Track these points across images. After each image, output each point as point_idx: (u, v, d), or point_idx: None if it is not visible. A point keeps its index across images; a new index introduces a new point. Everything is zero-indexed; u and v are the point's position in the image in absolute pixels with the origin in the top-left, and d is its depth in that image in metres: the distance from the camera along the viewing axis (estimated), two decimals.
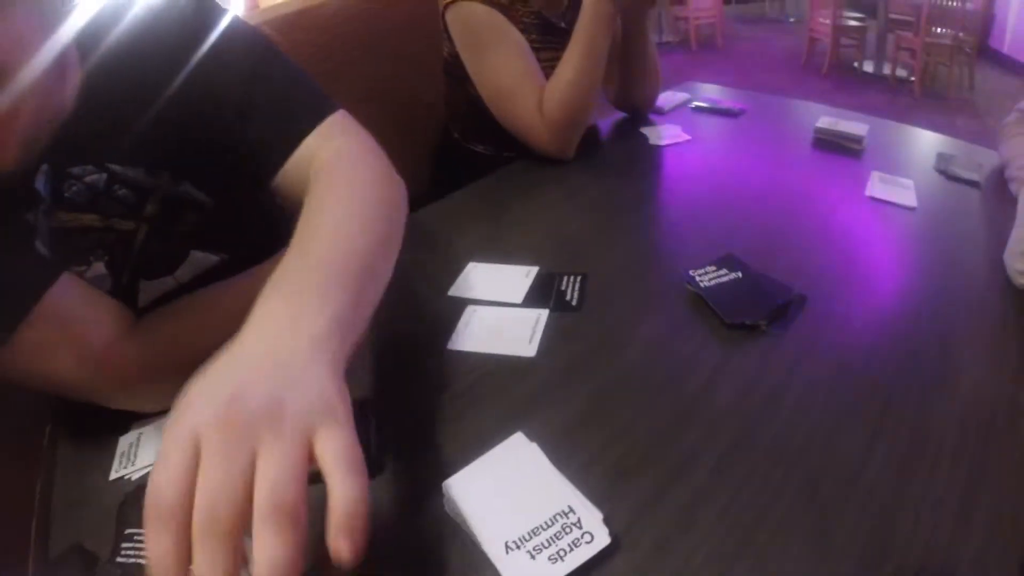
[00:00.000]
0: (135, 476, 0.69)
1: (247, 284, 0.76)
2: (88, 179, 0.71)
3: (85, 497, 0.69)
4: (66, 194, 0.70)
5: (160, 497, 0.39)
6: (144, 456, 0.71)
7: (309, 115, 0.79)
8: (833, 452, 0.57)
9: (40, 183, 0.68)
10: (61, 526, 0.66)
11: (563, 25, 1.25)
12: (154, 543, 0.38)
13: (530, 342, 0.75)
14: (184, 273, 0.82)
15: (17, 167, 0.62)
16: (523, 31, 1.18)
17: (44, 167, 0.68)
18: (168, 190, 0.77)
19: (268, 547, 0.38)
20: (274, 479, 0.40)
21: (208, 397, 0.46)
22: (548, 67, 1.19)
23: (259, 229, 0.89)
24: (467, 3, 1.15)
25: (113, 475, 0.70)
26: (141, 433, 0.74)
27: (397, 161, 1.08)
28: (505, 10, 1.16)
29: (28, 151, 0.63)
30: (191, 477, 0.39)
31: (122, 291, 0.76)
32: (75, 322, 0.69)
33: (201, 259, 0.83)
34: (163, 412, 0.75)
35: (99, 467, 0.71)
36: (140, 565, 0.57)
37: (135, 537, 0.60)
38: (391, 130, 1.48)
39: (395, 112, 1.51)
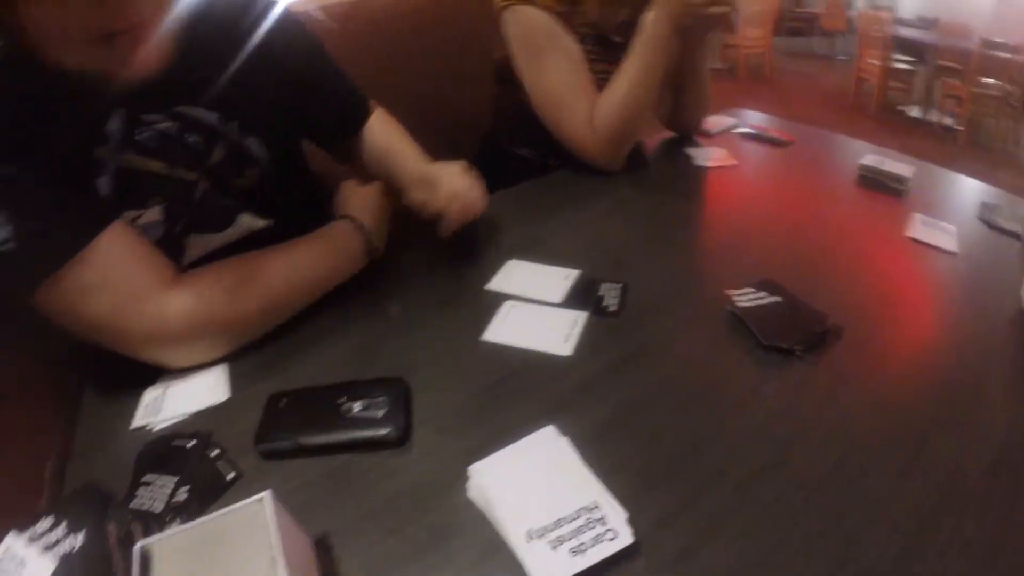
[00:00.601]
0: (157, 427, 0.70)
1: (288, 256, 0.81)
2: (161, 126, 0.74)
3: (105, 442, 0.70)
4: (137, 138, 0.73)
5: None
6: (168, 408, 0.72)
7: (365, 100, 1.06)
8: (860, 485, 0.57)
9: (114, 124, 0.71)
10: (78, 467, 0.68)
11: (618, 39, 1.25)
12: None
13: (566, 342, 0.75)
14: (232, 234, 0.84)
15: (152, 74, 0.71)
16: (579, 41, 1.18)
17: (118, 112, 0.71)
18: (235, 140, 0.81)
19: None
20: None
21: None
22: (602, 79, 1.19)
23: (303, 199, 0.94)
24: (524, 7, 1.15)
25: (135, 424, 0.71)
26: (168, 387, 0.75)
27: (441, 160, 1.10)
28: (562, 18, 1.16)
29: (160, 61, 0.72)
30: None
31: (172, 241, 0.79)
32: (118, 270, 0.71)
33: (248, 224, 0.86)
34: (190, 369, 0.78)
35: (122, 415, 0.72)
36: (152, 513, 0.59)
37: (152, 484, 0.62)
38: (434, 129, 1.50)
39: (439, 111, 1.52)
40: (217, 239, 0.84)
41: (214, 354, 0.78)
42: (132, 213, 0.76)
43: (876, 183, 1.17)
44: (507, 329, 0.79)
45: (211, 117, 0.80)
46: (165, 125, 0.76)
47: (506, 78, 1.27)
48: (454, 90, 1.56)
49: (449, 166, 0.98)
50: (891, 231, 0.99)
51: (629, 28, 1.23)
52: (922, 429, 0.63)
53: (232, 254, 0.81)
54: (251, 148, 0.85)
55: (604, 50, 1.24)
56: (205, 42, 0.79)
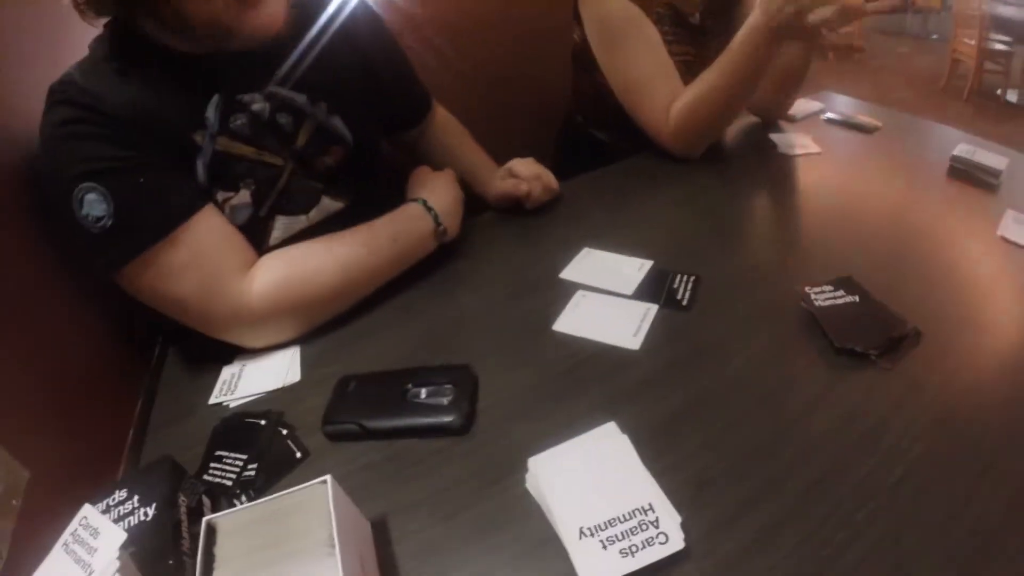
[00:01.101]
0: (232, 404, 0.73)
1: (362, 237, 0.84)
2: (255, 107, 0.79)
3: (182, 417, 0.73)
4: (231, 125, 0.77)
5: None
6: (243, 387, 0.75)
7: (429, 94, 1.16)
8: (923, 504, 0.53)
9: (211, 111, 0.76)
10: (155, 439, 0.71)
11: (696, 22, 1.21)
12: None
13: (635, 335, 0.74)
14: (314, 216, 0.87)
15: (275, 33, 0.76)
16: (656, 22, 1.14)
17: (216, 97, 0.76)
18: (322, 119, 0.85)
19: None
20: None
21: None
22: (678, 61, 1.16)
23: (381, 183, 0.98)
24: None
25: (212, 400, 0.74)
26: (244, 365, 0.78)
27: (520, 141, 1.10)
28: (640, 1, 1.12)
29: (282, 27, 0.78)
30: None
31: (258, 224, 0.82)
32: (206, 252, 0.75)
33: (328, 206, 0.89)
34: (266, 350, 0.80)
35: (200, 391, 0.76)
36: (224, 486, 0.61)
37: (224, 459, 0.64)
38: (515, 111, 1.51)
39: (519, 93, 1.52)
40: (300, 222, 0.86)
41: (291, 334, 0.81)
42: (224, 195, 0.79)
43: (967, 175, 1.10)
44: (577, 319, 0.78)
45: (300, 98, 0.83)
46: (259, 106, 0.80)
47: (583, 61, 1.24)
48: (536, 71, 1.55)
49: (520, 159, 1.09)
50: (981, 229, 0.93)
51: (709, 10, 1.19)
52: (991, 451, 0.58)
53: (311, 237, 0.84)
54: (337, 127, 0.88)
55: (682, 31, 1.20)
56: (303, 22, 0.84)
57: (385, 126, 1.08)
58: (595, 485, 0.54)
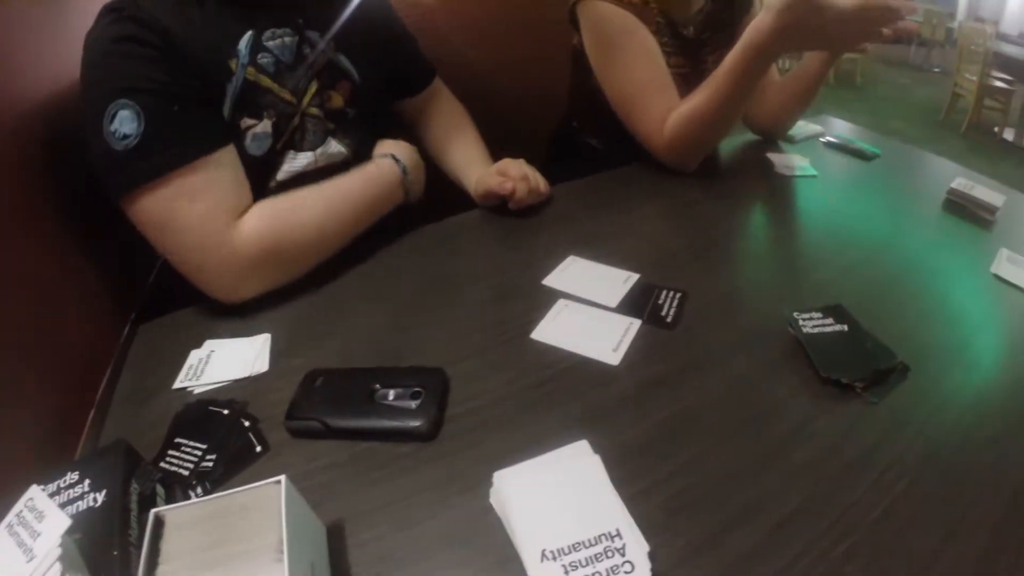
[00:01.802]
0: (197, 390, 0.71)
1: (339, 184, 0.92)
2: (286, 40, 0.88)
3: (145, 399, 0.71)
4: (258, 60, 0.85)
5: None
6: (210, 373, 0.73)
7: (431, 64, 1.21)
8: (904, 541, 0.51)
9: (243, 45, 0.83)
10: (116, 420, 0.69)
11: (690, 35, 1.19)
12: None
13: (616, 350, 0.72)
14: (319, 156, 0.94)
15: None
16: (655, 32, 1.12)
17: (248, 34, 0.83)
18: (331, 56, 0.94)
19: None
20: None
21: None
22: (675, 73, 1.14)
23: (380, 130, 1.05)
24: (599, 2, 1.11)
25: (177, 384, 0.72)
26: (213, 351, 0.76)
27: (515, 141, 1.08)
28: (638, 11, 1.10)
29: None
30: None
31: (273, 156, 0.89)
32: (220, 185, 0.80)
33: (335, 148, 0.96)
34: (236, 333, 0.77)
35: (165, 374, 0.74)
36: (180, 475, 0.59)
37: (183, 447, 0.62)
38: (513, 110, 1.49)
39: (519, 93, 1.51)
40: (302, 161, 0.91)
41: (281, 277, 0.85)
42: (249, 121, 0.84)
43: (963, 209, 1.08)
44: (557, 329, 0.76)
45: (313, 35, 0.91)
46: (289, 39, 0.88)
47: (581, 64, 1.23)
48: (532, 72, 1.54)
49: (511, 159, 1.08)
50: (974, 265, 0.91)
51: (705, 24, 1.16)
52: (975, 489, 0.56)
53: (311, 182, 0.91)
54: (343, 63, 0.96)
55: (678, 43, 1.18)
56: None
57: (395, 87, 1.13)
58: (561, 506, 0.52)
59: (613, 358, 0.71)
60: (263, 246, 0.81)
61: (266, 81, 0.85)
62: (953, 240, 1.01)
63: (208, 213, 0.77)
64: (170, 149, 0.75)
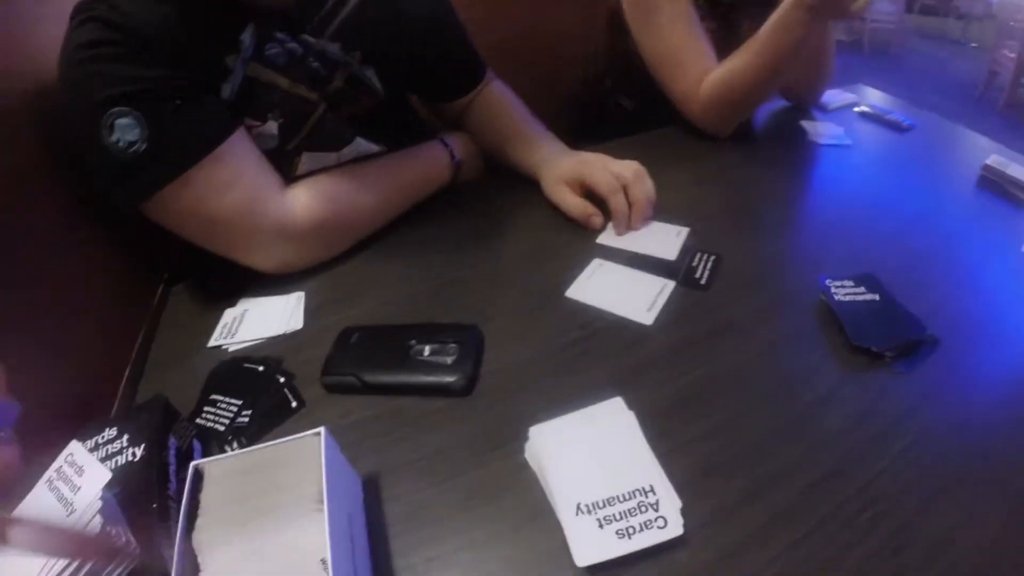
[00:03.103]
0: (232, 348, 0.72)
1: (389, 161, 0.92)
2: (288, 45, 0.78)
3: (180, 358, 0.73)
4: (266, 52, 0.76)
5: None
6: (244, 331, 0.74)
7: (481, 66, 1.07)
8: (928, 512, 0.52)
9: (246, 36, 0.74)
10: (151, 379, 0.71)
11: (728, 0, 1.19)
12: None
13: (649, 310, 0.73)
14: (346, 154, 0.89)
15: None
16: None
17: (252, 25, 0.74)
18: (355, 70, 0.85)
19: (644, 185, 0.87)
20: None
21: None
22: (710, 38, 1.14)
23: (413, 131, 1.00)
24: None
25: (212, 343, 0.73)
26: (247, 310, 0.77)
27: (545, 103, 1.07)
28: None
29: None
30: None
31: (282, 157, 0.82)
32: (249, 170, 0.76)
33: (364, 147, 0.91)
34: (270, 291, 0.79)
35: (200, 333, 0.75)
36: (216, 430, 0.61)
37: (219, 404, 0.64)
38: (541, 72, 1.48)
39: (548, 55, 1.50)
40: (329, 159, 0.87)
41: (333, 251, 0.84)
42: (251, 122, 0.79)
43: (998, 187, 1.07)
44: (592, 288, 0.77)
45: (333, 47, 0.82)
46: (292, 46, 0.79)
47: (618, 25, 1.22)
48: (568, 30, 1.52)
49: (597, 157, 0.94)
50: (1007, 243, 0.90)
51: None
52: (1000, 465, 0.57)
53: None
54: (371, 80, 0.88)
55: (712, 8, 1.18)
56: None
57: (427, 92, 1.08)
58: (596, 461, 0.53)
59: (647, 318, 0.72)
60: (316, 224, 0.80)
61: (272, 77, 0.79)
62: (986, 217, 1.00)
63: (249, 198, 0.75)
64: (185, 145, 0.71)
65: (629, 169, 0.88)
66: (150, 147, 0.68)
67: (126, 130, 0.67)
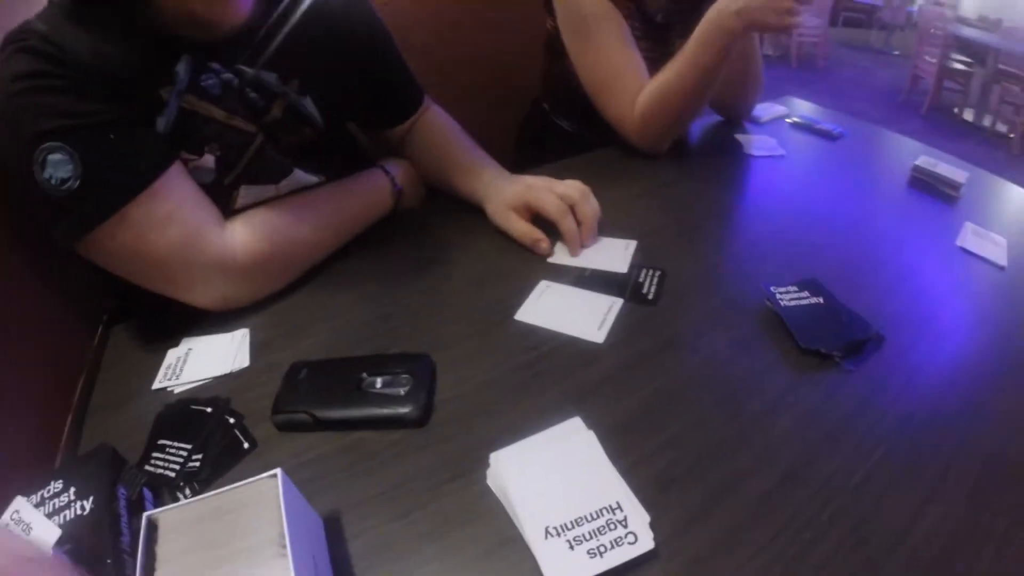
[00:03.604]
0: (177, 390, 0.70)
1: (329, 192, 0.92)
2: (224, 76, 0.76)
3: (123, 402, 0.70)
4: (202, 83, 0.75)
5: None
6: (189, 372, 0.72)
7: (419, 91, 1.08)
8: (885, 504, 0.54)
9: (181, 67, 0.73)
10: (94, 425, 0.68)
11: (659, 19, 1.22)
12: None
13: (600, 328, 0.74)
14: (284, 186, 0.88)
15: (242, 21, 0.76)
16: (626, 17, 1.15)
17: (186, 56, 0.73)
18: (293, 100, 0.83)
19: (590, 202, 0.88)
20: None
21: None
22: (645, 58, 1.17)
23: (350, 163, 0.98)
24: None
25: (156, 385, 0.71)
26: (190, 349, 0.75)
27: (485, 125, 1.07)
28: None
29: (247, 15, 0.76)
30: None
31: (220, 191, 0.81)
32: (185, 205, 0.75)
33: (301, 179, 0.90)
34: (213, 330, 0.77)
35: (144, 375, 0.73)
36: (167, 476, 0.59)
37: (168, 449, 0.62)
38: (484, 95, 1.51)
39: (490, 78, 1.52)
40: (267, 191, 0.87)
41: (275, 286, 0.83)
42: (187, 156, 0.78)
43: (928, 186, 1.13)
44: (541, 310, 0.78)
45: (270, 77, 0.81)
46: (228, 76, 0.78)
47: (554, 49, 1.25)
48: (504, 55, 1.55)
49: (542, 179, 0.95)
50: (941, 239, 0.96)
51: (673, 9, 1.20)
52: (951, 452, 0.60)
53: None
54: (308, 110, 0.87)
55: (647, 28, 1.21)
56: (272, 4, 0.82)
57: (367, 120, 1.08)
58: (561, 482, 0.53)
59: (598, 336, 0.73)
60: (257, 258, 0.79)
61: (209, 110, 0.77)
62: (920, 215, 1.05)
63: (188, 234, 0.74)
64: (119, 181, 0.69)
65: (574, 189, 0.90)
66: (83, 184, 0.66)
67: (58, 166, 0.65)
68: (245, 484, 0.46)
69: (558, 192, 0.89)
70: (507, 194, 0.93)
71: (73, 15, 0.69)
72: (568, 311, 0.77)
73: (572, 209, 0.88)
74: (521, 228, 0.91)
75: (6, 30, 0.70)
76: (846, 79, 6.90)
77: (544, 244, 0.89)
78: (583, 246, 0.89)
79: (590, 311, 0.77)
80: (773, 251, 0.92)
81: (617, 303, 0.79)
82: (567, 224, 0.87)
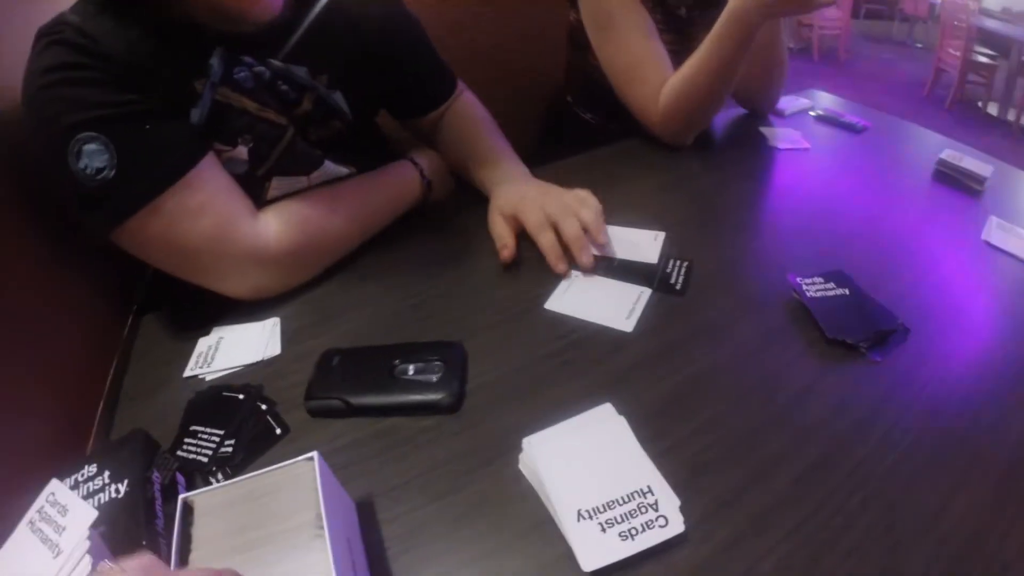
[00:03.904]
0: (209, 377, 0.72)
1: (360, 184, 0.93)
2: (256, 69, 0.78)
3: (155, 390, 0.72)
4: (235, 75, 0.76)
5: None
6: (220, 360, 0.73)
7: (451, 79, 1.10)
8: (914, 492, 0.55)
9: (215, 60, 0.74)
10: (126, 413, 0.69)
11: (682, 13, 1.22)
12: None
13: (628, 317, 0.75)
14: (316, 177, 0.89)
15: (275, 18, 0.77)
16: (649, 10, 1.15)
17: (219, 49, 0.74)
18: (323, 93, 0.85)
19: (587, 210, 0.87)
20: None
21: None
22: (667, 51, 1.17)
23: (380, 155, 1.00)
24: None
25: (187, 373, 0.73)
26: (221, 338, 0.77)
27: (509, 117, 1.08)
28: None
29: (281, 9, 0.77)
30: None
31: (255, 181, 0.82)
32: (219, 195, 0.76)
33: (333, 171, 0.91)
34: (244, 319, 0.79)
35: (174, 364, 0.74)
36: (200, 462, 0.60)
37: (200, 435, 0.63)
38: (508, 88, 1.52)
39: (513, 71, 1.53)
40: (299, 183, 0.88)
41: (306, 276, 0.84)
42: (220, 147, 0.79)
43: (953, 180, 1.13)
44: (569, 300, 0.79)
45: (300, 71, 0.83)
46: (260, 69, 0.79)
47: (578, 42, 1.26)
48: (530, 47, 1.56)
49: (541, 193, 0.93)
50: (966, 232, 0.95)
51: (695, 2, 1.20)
52: (976, 443, 0.60)
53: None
54: (338, 103, 0.89)
55: (670, 21, 1.22)
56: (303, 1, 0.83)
57: (399, 108, 1.09)
58: (593, 466, 0.55)
59: (627, 325, 0.74)
60: (289, 249, 0.80)
61: (242, 102, 0.79)
62: (944, 209, 1.05)
63: (221, 224, 0.75)
64: (154, 171, 0.70)
65: (558, 207, 0.88)
66: (119, 174, 0.67)
67: (94, 156, 0.66)
68: (281, 467, 0.47)
69: (546, 210, 0.88)
70: (503, 199, 0.94)
71: (106, 8, 0.70)
72: (597, 301, 0.78)
73: (556, 226, 0.87)
74: (496, 231, 0.92)
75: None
76: (868, 72, 6.84)
77: (506, 252, 0.87)
78: (596, 243, 0.87)
79: (619, 300, 0.78)
80: (798, 243, 0.93)
81: (646, 293, 0.80)
82: (543, 239, 0.86)
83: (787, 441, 0.60)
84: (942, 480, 0.57)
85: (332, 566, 0.40)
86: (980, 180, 1.11)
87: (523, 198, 0.92)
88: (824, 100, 1.51)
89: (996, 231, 0.95)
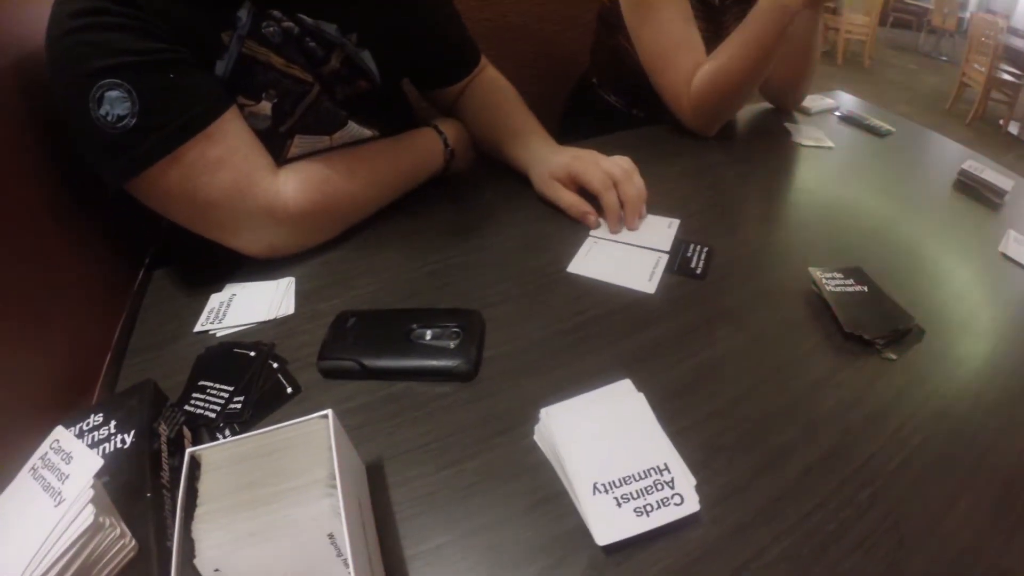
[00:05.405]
0: (220, 333, 0.72)
1: (384, 146, 0.94)
2: (284, 24, 0.78)
3: (164, 343, 0.72)
4: (263, 30, 0.76)
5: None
6: (232, 316, 0.74)
7: (476, 52, 1.11)
8: (921, 490, 0.57)
9: (243, 12, 0.74)
10: (133, 365, 0.70)
11: (716, 1, 1.24)
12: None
13: (650, 279, 0.78)
14: (338, 138, 0.89)
15: None
16: None
17: (248, 1, 0.74)
18: (351, 51, 0.85)
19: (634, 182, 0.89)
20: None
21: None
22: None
23: (405, 117, 1.03)
24: None
25: (198, 328, 0.73)
26: (234, 294, 0.77)
27: (533, 96, 1.09)
28: None
29: None
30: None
31: (277, 138, 0.82)
32: (240, 150, 0.76)
33: (356, 132, 0.91)
34: (258, 277, 0.79)
35: (185, 319, 0.74)
36: (208, 417, 0.60)
37: (208, 390, 0.63)
38: (533, 67, 1.53)
39: (541, 50, 1.54)
40: (322, 142, 0.88)
41: (323, 235, 0.85)
42: (244, 102, 0.79)
43: (973, 191, 1.14)
44: (590, 264, 0.82)
45: (330, 28, 0.83)
46: (288, 25, 0.79)
47: (609, 23, 1.27)
48: (561, 27, 1.57)
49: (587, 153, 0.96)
50: (983, 243, 0.97)
51: None
52: (984, 446, 0.62)
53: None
54: (365, 63, 0.89)
55: (704, 10, 1.23)
56: None
57: (420, 77, 1.10)
58: (610, 441, 0.56)
59: (649, 287, 0.77)
60: (307, 208, 0.80)
61: (268, 56, 0.79)
62: (963, 219, 1.06)
63: (240, 179, 0.75)
64: (176, 121, 0.70)
65: (618, 167, 0.91)
66: (140, 122, 0.67)
67: (116, 103, 0.66)
68: (293, 424, 0.47)
69: (603, 167, 0.91)
70: (552, 164, 0.95)
71: None
72: (617, 264, 0.81)
73: (616, 187, 0.90)
74: (570, 199, 0.93)
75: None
76: (891, 81, 6.85)
77: (592, 217, 0.91)
78: (629, 228, 0.91)
79: (638, 264, 0.81)
80: (817, 238, 0.94)
81: (663, 258, 0.83)
82: (609, 198, 0.89)
83: (800, 431, 0.61)
84: (949, 480, 0.58)
85: (344, 525, 0.40)
86: (1000, 193, 1.12)
87: (575, 158, 0.94)
88: (849, 102, 1.52)
89: (1013, 244, 0.96)
